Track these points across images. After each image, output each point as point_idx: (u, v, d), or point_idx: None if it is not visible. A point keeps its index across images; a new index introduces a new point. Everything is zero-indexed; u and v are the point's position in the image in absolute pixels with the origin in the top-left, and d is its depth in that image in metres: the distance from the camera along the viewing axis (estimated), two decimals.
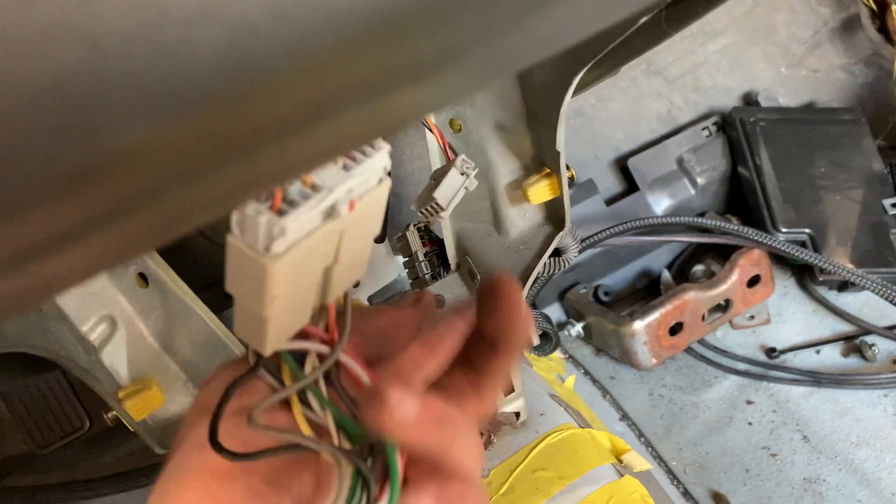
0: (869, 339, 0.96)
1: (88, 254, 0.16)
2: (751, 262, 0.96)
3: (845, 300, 1.01)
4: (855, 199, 1.02)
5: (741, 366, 0.97)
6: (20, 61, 0.11)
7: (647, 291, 1.06)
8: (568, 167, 0.53)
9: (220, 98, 0.12)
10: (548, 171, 0.54)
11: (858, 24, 1.18)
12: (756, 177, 1.02)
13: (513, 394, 0.66)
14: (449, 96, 0.19)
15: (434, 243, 0.66)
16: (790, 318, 1.01)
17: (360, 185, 0.28)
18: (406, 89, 0.16)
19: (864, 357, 0.95)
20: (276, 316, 0.29)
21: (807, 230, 0.99)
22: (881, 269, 0.97)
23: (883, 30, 1.18)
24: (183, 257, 0.54)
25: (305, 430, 0.31)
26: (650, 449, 0.90)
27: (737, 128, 1.05)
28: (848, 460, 0.86)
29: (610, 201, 1.06)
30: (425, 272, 0.64)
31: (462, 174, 0.39)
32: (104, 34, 0.10)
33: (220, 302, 0.54)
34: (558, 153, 0.51)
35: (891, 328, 0.96)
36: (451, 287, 0.64)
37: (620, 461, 0.70)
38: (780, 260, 1.04)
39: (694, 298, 0.94)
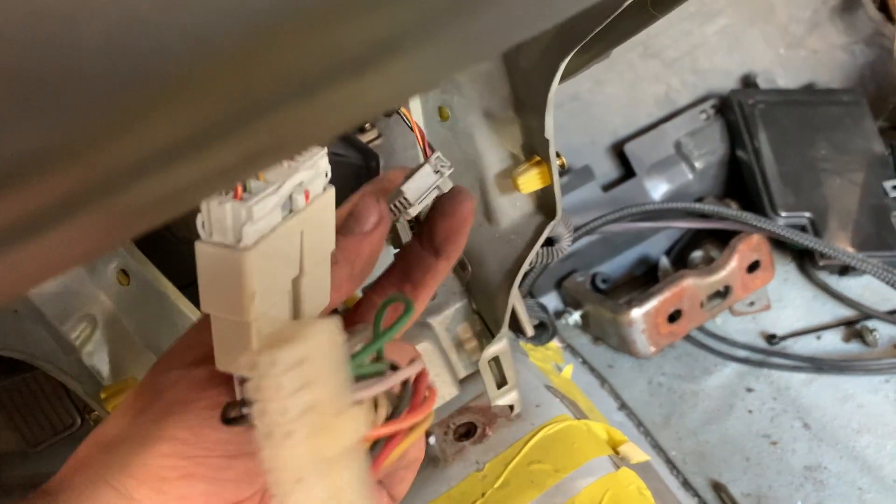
0: (870, 323, 0.94)
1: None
2: (750, 247, 0.95)
3: (846, 284, 1.00)
4: (855, 182, 1.00)
5: (741, 353, 0.96)
6: None
7: (645, 278, 1.05)
8: (559, 155, 0.52)
9: (115, 101, 0.10)
10: (538, 159, 0.53)
11: (858, 2, 1.16)
12: (755, 160, 1.01)
13: (507, 386, 0.65)
14: (420, 82, 0.17)
15: None
16: (790, 303, 1.00)
17: (309, 178, 0.29)
18: (357, 78, 0.14)
19: (865, 342, 0.94)
20: (257, 322, 0.28)
21: (807, 214, 0.97)
22: (882, 252, 0.96)
23: (883, 8, 1.16)
24: (163, 255, 0.53)
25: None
26: (649, 438, 0.89)
27: (735, 110, 1.04)
28: (849, 447, 0.85)
29: (607, 187, 1.04)
30: None
31: (436, 172, 0.38)
32: None
33: None
34: (548, 141, 0.49)
35: (892, 313, 0.94)
36: None
37: (617, 453, 0.69)
38: (780, 245, 1.03)
39: (693, 285, 0.93)
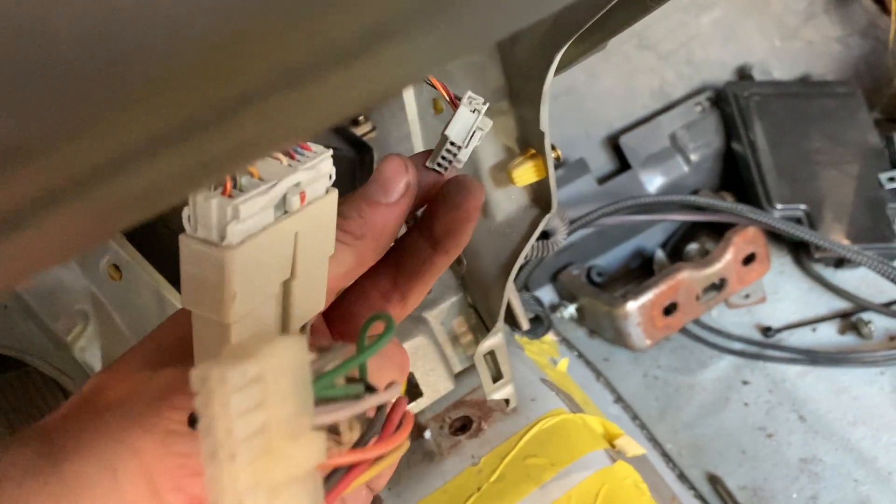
0: (865, 316, 0.94)
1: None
2: (746, 239, 0.95)
3: (842, 277, 1.00)
4: (851, 174, 1.00)
5: (737, 345, 0.95)
6: None
7: (640, 271, 1.05)
8: (554, 147, 0.51)
9: (95, 93, 0.10)
10: (533, 152, 0.52)
11: None
12: (750, 152, 1.00)
13: (502, 380, 0.65)
14: (411, 73, 0.17)
15: None
16: (786, 296, 1.00)
17: (308, 180, 0.28)
18: (346, 69, 0.14)
19: (860, 334, 0.94)
20: (237, 324, 0.27)
21: (802, 206, 0.97)
22: (878, 244, 0.96)
23: (878, 0, 1.16)
24: (156, 249, 0.53)
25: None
26: (645, 431, 0.89)
27: (730, 103, 1.03)
28: (844, 439, 0.85)
29: (602, 180, 1.04)
30: None
31: (473, 111, 0.36)
32: None
33: None
34: (543, 133, 0.49)
35: (888, 305, 0.94)
36: None
37: (613, 446, 0.69)
38: (775, 237, 1.02)
39: (688, 278, 0.93)
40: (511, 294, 0.71)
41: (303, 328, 0.32)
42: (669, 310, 0.93)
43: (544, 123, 0.48)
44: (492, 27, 0.16)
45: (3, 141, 0.10)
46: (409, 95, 0.57)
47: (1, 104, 0.10)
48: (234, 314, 0.27)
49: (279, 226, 0.27)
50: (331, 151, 0.29)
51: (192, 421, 0.28)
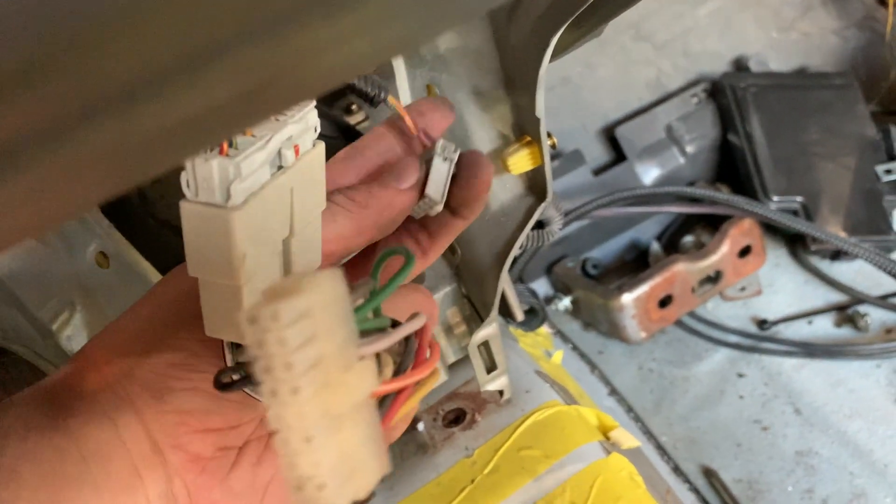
0: (861, 308, 0.94)
1: None
2: (742, 231, 0.94)
3: (838, 269, 0.99)
4: (847, 166, 1.00)
5: (732, 338, 0.95)
6: None
7: (636, 264, 1.04)
8: (550, 135, 0.50)
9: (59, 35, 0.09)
10: (528, 139, 0.51)
11: None
12: (747, 144, 1.00)
13: (496, 371, 0.64)
14: (400, 36, 0.16)
15: None
16: (782, 288, 0.99)
17: (298, 133, 0.28)
18: (331, 21, 0.13)
19: (856, 327, 0.93)
20: (248, 284, 0.27)
21: (799, 198, 0.97)
22: (874, 236, 0.95)
23: None
24: (143, 239, 0.52)
25: None
26: (640, 424, 0.88)
27: (727, 94, 1.03)
28: (840, 432, 0.84)
29: (597, 171, 1.03)
30: None
31: (445, 160, 0.37)
32: None
33: None
34: (538, 120, 0.48)
35: (884, 297, 0.94)
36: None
37: (608, 438, 0.68)
38: (771, 229, 1.02)
39: (683, 270, 0.92)
40: (506, 284, 0.71)
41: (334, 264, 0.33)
42: (665, 302, 0.93)
43: (540, 110, 0.48)
44: None
45: None
46: (402, 84, 0.56)
47: None
48: (244, 275, 0.27)
49: (277, 182, 0.27)
50: (314, 103, 0.29)
51: (220, 379, 0.29)
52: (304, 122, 0.28)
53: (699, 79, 1.08)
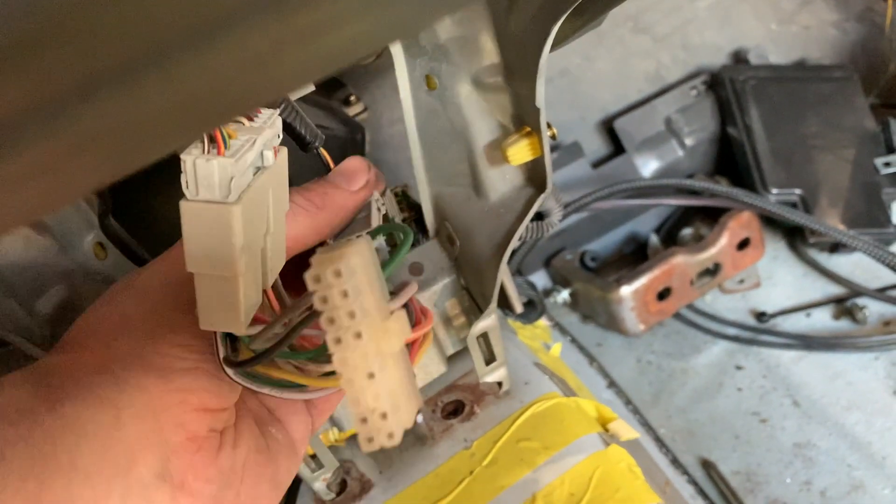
0: (860, 301, 0.94)
1: None
2: (740, 224, 0.94)
3: (837, 262, 0.99)
4: (847, 159, 1.00)
5: (731, 331, 0.95)
6: None
7: (634, 256, 1.04)
8: (549, 126, 0.50)
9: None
10: (528, 129, 0.51)
11: None
12: (746, 137, 1.00)
13: (495, 363, 0.64)
14: (402, 21, 0.16)
15: (412, 209, 0.63)
16: (780, 281, 0.99)
17: (271, 136, 0.31)
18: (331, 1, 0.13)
19: (854, 320, 0.93)
20: (244, 275, 0.30)
21: (798, 191, 0.97)
22: (873, 229, 0.95)
23: None
24: (141, 232, 0.52)
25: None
26: (638, 416, 0.88)
27: (726, 86, 1.02)
28: (838, 424, 0.84)
29: (596, 164, 1.03)
30: None
31: (378, 210, 0.44)
32: None
33: None
34: (538, 110, 0.48)
35: (882, 290, 0.94)
36: (429, 254, 0.61)
37: (607, 430, 0.68)
38: (770, 222, 1.02)
39: (682, 262, 0.92)
40: (505, 276, 0.70)
41: (276, 283, 0.36)
42: (663, 295, 0.93)
43: (540, 100, 0.47)
44: None
45: None
46: (401, 75, 0.55)
47: None
48: (242, 266, 0.29)
49: (260, 181, 0.30)
50: (279, 109, 0.33)
51: (228, 360, 0.32)
52: (274, 127, 0.31)
53: (698, 71, 1.08)
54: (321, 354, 0.34)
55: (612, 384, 0.91)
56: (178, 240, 0.34)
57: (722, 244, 0.93)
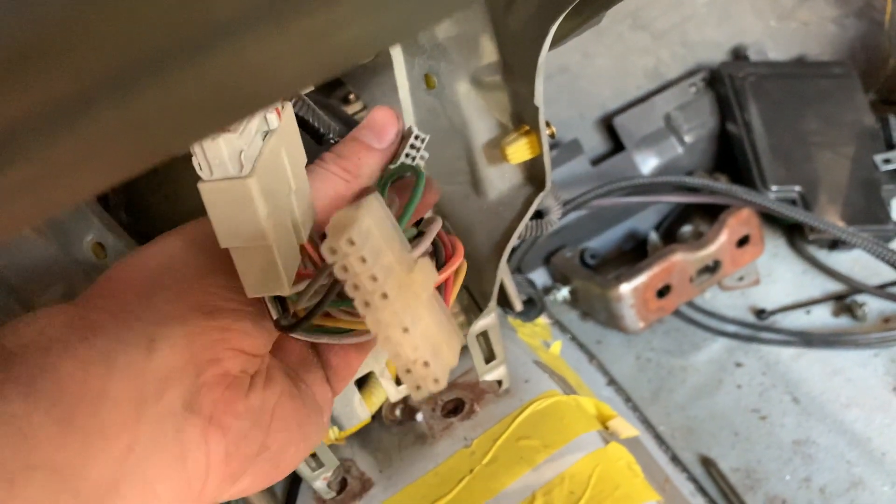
0: (859, 298, 0.94)
1: None
2: (740, 221, 0.94)
3: (836, 259, 0.99)
4: (846, 156, 0.99)
5: (730, 328, 0.95)
6: None
7: (634, 254, 1.04)
8: (548, 124, 0.50)
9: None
10: (527, 128, 0.51)
11: None
12: (745, 133, 1.00)
13: (495, 361, 0.64)
14: (401, 23, 0.16)
15: None
16: (780, 278, 0.99)
17: None
18: (330, 6, 0.13)
19: (854, 317, 0.93)
20: (275, 240, 0.31)
21: (797, 188, 0.97)
22: (872, 226, 0.95)
23: None
24: (140, 230, 0.51)
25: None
26: (638, 414, 0.88)
27: (725, 83, 1.02)
28: (838, 421, 0.85)
29: (596, 161, 1.03)
30: None
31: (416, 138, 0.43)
32: None
33: None
34: (537, 108, 0.48)
35: (882, 287, 0.94)
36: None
37: (607, 428, 0.68)
38: (769, 219, 1.02)
39: (682, 260, 0.92)
40: (504, 274, 0.70)
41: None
42: (663, 292, 0.93)
43: (539, 98, 0.47)
44: None
45: None
46: (400, 74, 0.55)
47: None
48: (271, 233, 0.30)
49: (270, 145, 0.30)
50: (291, 104, 0.33)
51: (280, 325, 0.33)
52: None
53: (697, 68, 1.08)
54: None
55: (611, 381, 0.92)
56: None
57: (721, 241, 0.93)
